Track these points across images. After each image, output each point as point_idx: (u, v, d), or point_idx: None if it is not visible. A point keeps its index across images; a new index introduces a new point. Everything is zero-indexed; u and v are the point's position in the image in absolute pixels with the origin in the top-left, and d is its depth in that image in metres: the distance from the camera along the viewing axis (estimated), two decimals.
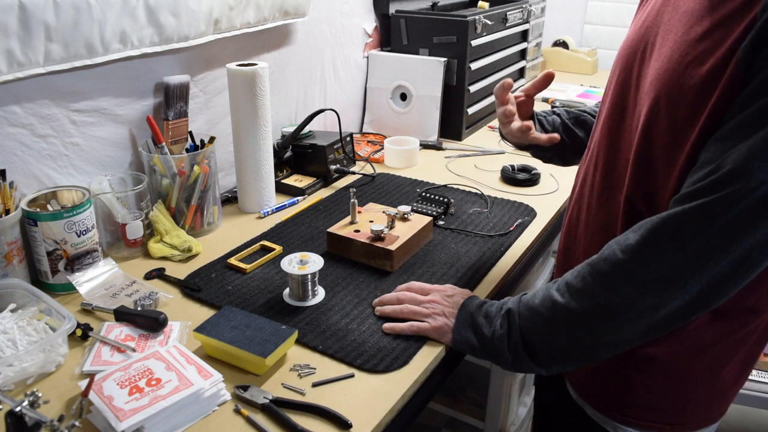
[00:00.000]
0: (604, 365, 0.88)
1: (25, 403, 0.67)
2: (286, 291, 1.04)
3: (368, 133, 1.87)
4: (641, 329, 0.73)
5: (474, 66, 1.80)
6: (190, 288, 1.05)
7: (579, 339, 0.77)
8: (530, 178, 1.50)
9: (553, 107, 1.92)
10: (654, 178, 0.76)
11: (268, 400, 0.80)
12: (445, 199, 1.34)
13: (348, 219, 1.20)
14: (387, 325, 0.94)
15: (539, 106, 2.17)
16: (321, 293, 1.03)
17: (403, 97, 1.83)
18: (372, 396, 0.82)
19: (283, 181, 1.46)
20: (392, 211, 1.21)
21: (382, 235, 1.12)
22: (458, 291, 0.96)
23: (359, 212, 1.23)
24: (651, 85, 0.75)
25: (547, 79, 1.03)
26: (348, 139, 1.58)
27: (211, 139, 1.26)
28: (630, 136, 0.81)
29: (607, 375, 0.89)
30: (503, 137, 1.12)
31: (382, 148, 1.68)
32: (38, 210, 1.01)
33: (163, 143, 1.21)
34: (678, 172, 0.72)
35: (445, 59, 1.75)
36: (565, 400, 0.97)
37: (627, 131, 0.82)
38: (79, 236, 1.03)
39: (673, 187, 0.73)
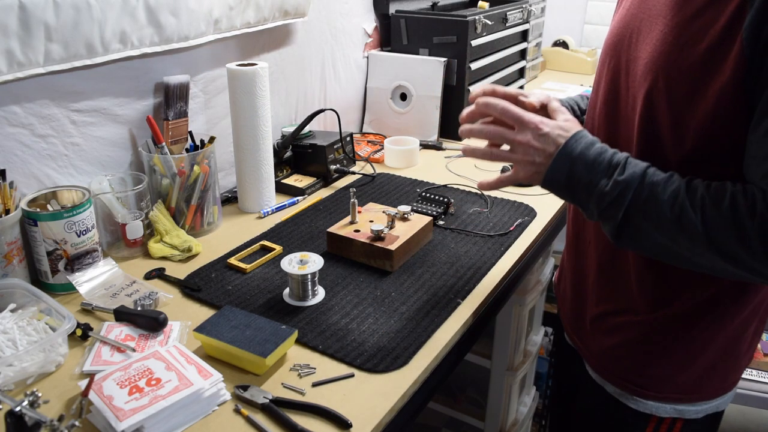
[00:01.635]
0: (623, 341, 0.91)
1: (25, 402, 0.67)
2: (286, 291, 1.04)
3: (368, 133, 1.87)
4: (734, 274, 0.73)
5: (474, 66, 1.80)
6: (190, 288, 1.05)
7: (678, 249, 0.75)
8: None
9: None
10: (662, 152, 0.79)
11: (268, 400, 0.80)
12: (445, 199, 1.34)
13: (348, 219, 1.20)
14: (468, 149, 0.87)
15: None
16: (321, 293, 1.03)
17: (403, 97, 1.83)
18: (372, 396, 0.82)
19: (283, 181, 1.46)
20: (392, 211, 1.21)
21: (382, 235, 1.12)
22: (552, 126, 0.82)
23: (359, 212, 1.23)
24: (646, 67, 0.78)
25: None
26: (348, 139, 1.58)
27: (211, 139, 1.26)
28: (627, 117, 0.84)
29: (626, 350, 0.91)
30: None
31: (382, 148, 1.68)
32: (38, 210, 1.01)
33: (163, 143, 1.21)
34: (690, 146, 0.76)
35: (445, 59, 1.75)
36: (585, 381, 1.00)
37: (623, 113, 0.85)
38: (79, 236, 1.03)
39: (684, 159, 0.77)
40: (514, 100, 0.88)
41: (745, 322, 0.87)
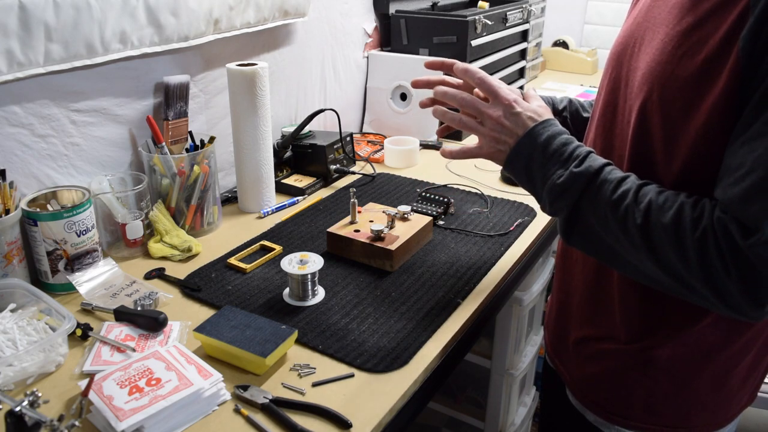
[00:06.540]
0: (604, 369, 0.87)
1: (25, 402, 0.68)
2: (286, 291, 1.04)
3: (368, 133, 1.87)
4: (679, 292, 0.70)
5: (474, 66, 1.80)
6: (190, 288, 1.05)
7: (624, 255, 0.73)
8: None
9: None
10: (654, 171, 0.75)
11: (268, 400, 0.80)
12: (445, 199, 1.34)
13: (348, 219, 1.20)
14: (440, 109, 0.89)
15: None
16: (321, 293, 1.03)
17: (403, 97, 1.83)
18: (372, 396, 0.82)
19: (283, 181, 1.46)
20: (392, 211, 1.21)
21: (382, 235, 1.12)
22: (525, 107, 0.83)
23: (359, 212, 1.23)
24: (643, 78, 0.74)
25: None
26: (348, 139, 1.58)
27: (211, 139, 1.26)
28: (622, 132, 0.80)
29: (608, 379, 0.88)
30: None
31: (382, 148, 1.68)
32: (38, 210, 1.01)
33: (163, 143, 1.21)
34: (680, 165, 0.72)
35: None
36: (566, 407, 0.96)
37: (619, 128, 0.81)
38: (79, 236, 1.03)
39: (674, 180, 0.72)
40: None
41: (734, 357, 0.82)
